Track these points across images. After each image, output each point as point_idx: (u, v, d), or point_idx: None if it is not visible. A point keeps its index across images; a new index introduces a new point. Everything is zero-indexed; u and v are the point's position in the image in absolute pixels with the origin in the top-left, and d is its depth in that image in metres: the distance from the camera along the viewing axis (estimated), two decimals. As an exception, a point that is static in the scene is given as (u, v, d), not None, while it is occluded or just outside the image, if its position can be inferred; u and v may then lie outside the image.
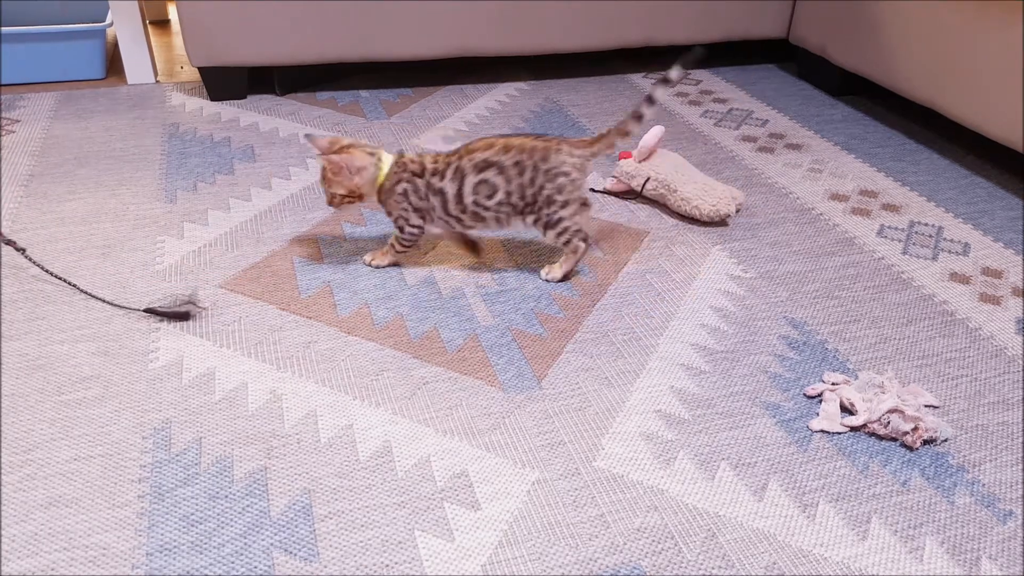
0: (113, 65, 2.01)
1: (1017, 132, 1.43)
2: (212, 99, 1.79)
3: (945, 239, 1.34)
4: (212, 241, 1.26)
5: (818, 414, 0.95)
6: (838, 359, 1.05)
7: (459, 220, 1.15)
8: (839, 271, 1.24)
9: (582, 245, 1.16)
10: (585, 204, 1.16)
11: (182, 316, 1.06)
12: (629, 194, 1.44)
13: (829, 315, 1.14)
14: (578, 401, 0.96)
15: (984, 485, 0.87)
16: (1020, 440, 0.93)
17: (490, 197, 1.11)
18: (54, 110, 1.72)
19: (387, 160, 1.13)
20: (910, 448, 0.91)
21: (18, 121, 1.66)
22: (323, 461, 0.86)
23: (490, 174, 1.10)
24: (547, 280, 1.18)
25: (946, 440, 0.92)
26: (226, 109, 1.75)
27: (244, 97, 1.81)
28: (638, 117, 1.11)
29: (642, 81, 2.00)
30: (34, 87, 1.85)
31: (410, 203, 1.13)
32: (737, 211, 1.36)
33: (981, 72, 1.49)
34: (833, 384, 0.99)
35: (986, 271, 1.25)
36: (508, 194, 1.11)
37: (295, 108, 1.76)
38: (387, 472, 0.85)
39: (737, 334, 1.09)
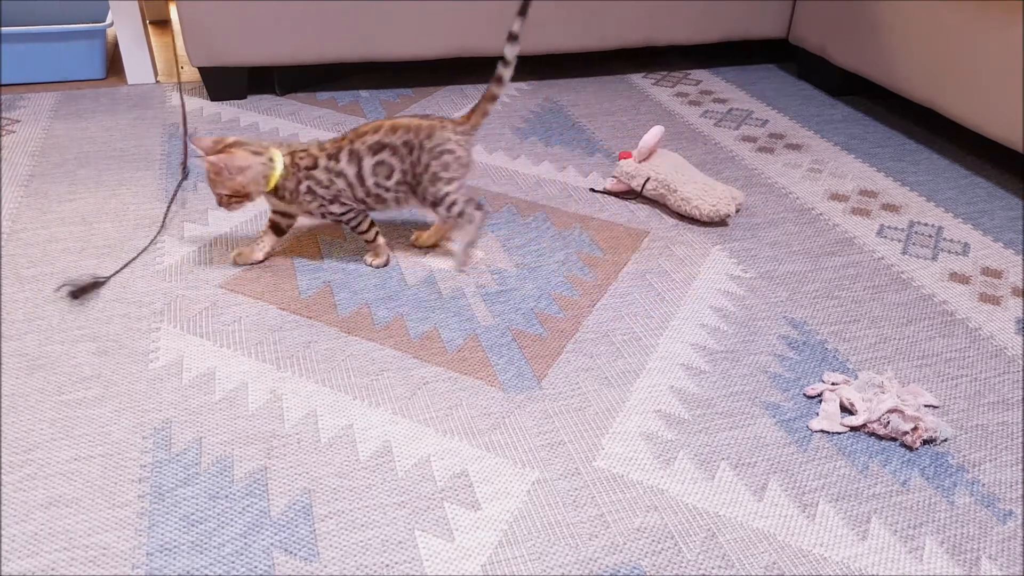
0: (113, 65, 2.01)
1: (1017, 132, 1.43)
2: (212, 99, 1.79)
3: (945, 239, 1.34)
4: (212, 241, 1.26)
5: (818, 414, 0.95)
6: (838, 359, 1.05)
7: (364, 203, 1.16)
8: (839, 271, 1.24)
9: (477, 213, 1.18)
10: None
11: (94, 286, 1.11)
12: (629, 194, 1.44)
13: (829, 315, 1.14)
14: (578, 401, 0.96)
15: (984, 485, 0.87)
16: (1020, 440, 0.93)
17: (388, 178, 1.13)
18: (54, 110, 1.72)
19: (279, 158, 1.11)
20: (910, 448, 0.91)
21: (18, 121, 1.66)
22: (323, 461, 0.86)
23: (385, 155, 1.12)
24: (454, 251, 1.21)
25: (946, 440, 0.92)
26: (226, 109, 1.75)
27: (244, 97, 1.81)
28: (499, 80, 1.14)
29: (642, 81, 2.00)
30: (34, 87, 1.86)
31: (321, 196, 1.14)
32: (737, 211, 1.36)
33: (981, 72, 1.49)
34: (833, 384, 0.99)
35: (986, 271, 1.25)
36: (403, 173, 1.13)
37: (295, 108, 1.76)
38: (387, 472, 0.85)
39: (737, 334, 1.09)
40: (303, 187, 1.12)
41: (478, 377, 0.99)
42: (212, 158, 1.07)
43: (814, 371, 1.03)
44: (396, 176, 1.13)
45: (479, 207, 1.18)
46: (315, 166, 1.12)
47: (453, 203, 1.16)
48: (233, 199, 1.10)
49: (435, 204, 1.16)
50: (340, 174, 1.13)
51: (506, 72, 1.14)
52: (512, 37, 1.11)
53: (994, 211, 1.44)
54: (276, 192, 1.13)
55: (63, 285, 1.09)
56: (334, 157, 1.13)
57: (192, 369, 0.99)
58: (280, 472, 0.85)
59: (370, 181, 1.13)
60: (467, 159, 1.16)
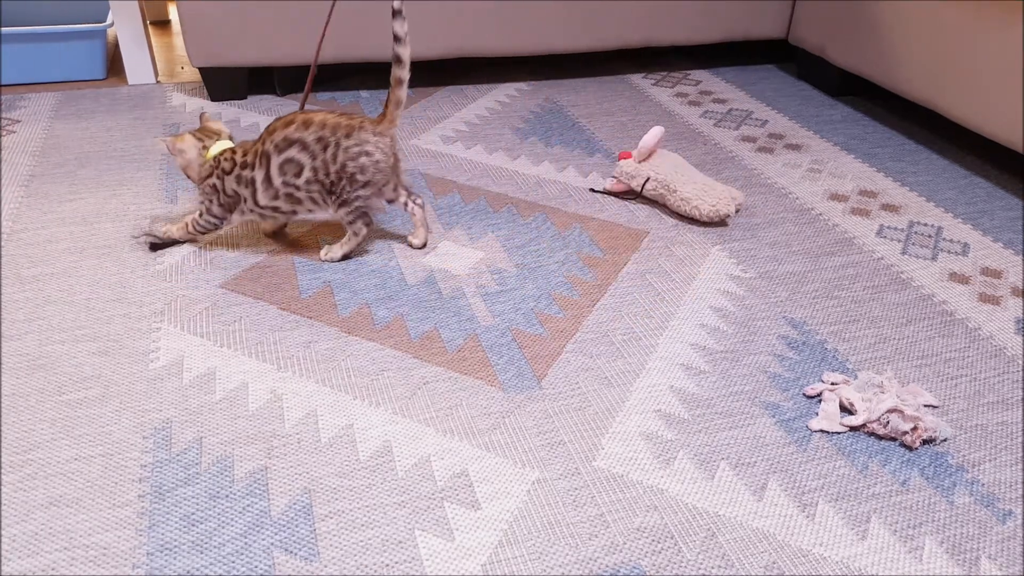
0: (114, 65, 2.01)
1: (1017, 132, 1.43)
2: (213, 99, 1.80)
3: (944, 239, 1.34)
4: (213, 241, 1.26)
5: (817, 414, 0.95)
6: (837, 359, 1.05)
7: (275, 209, 1.15)
8: (838, 271, 1.24)
9: (364, 230, 1.18)
10: (396, 171, 1.17)
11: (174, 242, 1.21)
12: (629, 194, 1.44)
13: (828, 315, 1.14)
14: (578, 401, 0.96)
15: (983, 485, 0.87)
16: (1020, 440, 0.93)
17: (298, 175, 1.11)
18: (55, 110, 1.72)
19: (216, 149, 1.15)
20: (909, 448, 0.91)
21: (19, 121, 1.66)
22: (323, 461, 0.86)
23: (294, 151, 1.10)
24: (325, 260, 1.20)
25: (945, 440, 0.92)
26: (227, 109, 1.75)
27: (245, 97, 1.81)
28: (399, 60, 1.11)
29: (642, 81, 2.00)
30: (35, 87, 1.86)
31: (216, 198, 1.16)
32: (736, 211, 1.36)
33: (981, 72, 1.50)
34: (832, 384, 0.99)
35: (985, 271, 1.25)
36: (314, 171, 1.11)
37: (296, 108, 1.77)
38: (387, 472, 0.85)
39: (737, 334, 1.09)
40: (209, 181, 1.15)
41: (478, 377, 0.99)
42: (167, 139, 1.15)
43: (814, 371, 1.03)
44: (306, 174, 1.11)
45: (369, 223, 1.17)
46: (231, 171, 1.13)
47: (355, 209, 1.15)
48: (188, 177, 1.18)
49: (342, 204, 1.14)
50: (250, 183, 1.13)
51: (403, 51, 1.10)
52: (396, 13, 1.08)
53: (994, 211, 1.44)
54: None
55: (144, 235, 1.15)
56: (250, 165, 1.12)
57: (192, 369, 0.99)
58: (280, 472, 0.85)
59: (278, 181, 1.12)
60: (386, 163, 1.14)
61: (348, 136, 1.10)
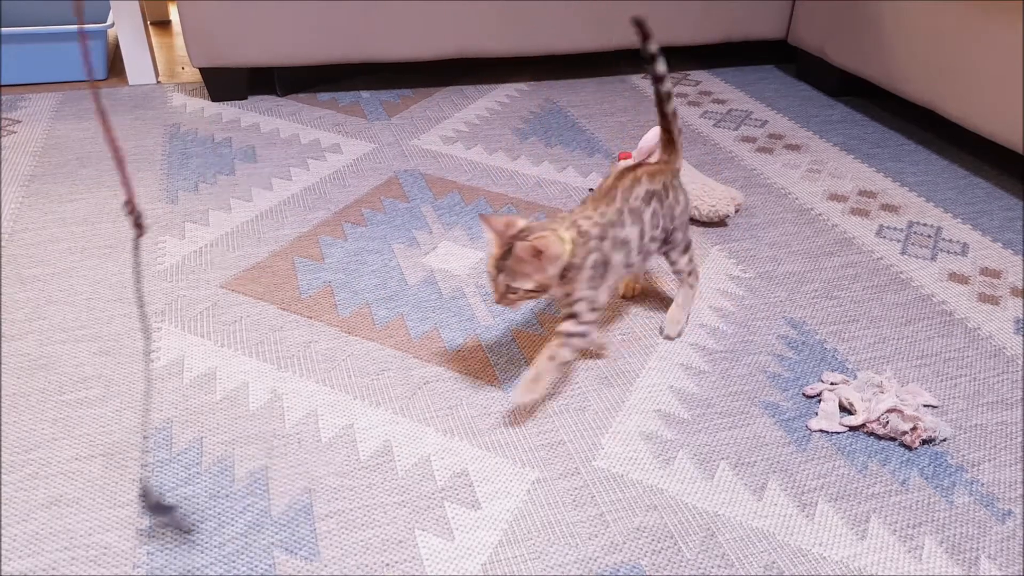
0: (114, 66, 2.01)
1: (1017, 132, 1.44)
2: (213, 100, 1.80)
3: (944, 239, 1.34)
4: (213, 241, 1.26)
5: (817, 414, 0.95)
6: (837, 359, 1.05)
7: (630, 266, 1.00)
8: (838, 271, 1.24)
9: (698, 279, 1.11)
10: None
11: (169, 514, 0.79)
12: (629, 194, 1.44)
13: (828, 315, 1.14)
14: (578, 401, 0.96)
15: (983, 484, 0.87)
16: (1019, 440, 0.93)
17: (657, 227, 1.01)
18: (55, 110, 1.72)
19: (566, 235, 0.91)
20: (909, 448, 0.91)
21: (19, 121, 1.66)
22: (324, 460, 0.86)
23: (655, 204, 1.00)
24: (675, 337, 1.08)
25: (945, 440, 0.93)
26: (227, 110, 1.75)
27: (245, 98, 1.81)
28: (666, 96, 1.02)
29: (642, 82, 2.00)
30: (35, 87, 1.86)
31: (602, 275, 0.95)
32: (736, 211, 1.37)
33: (981, 72, 1.50)
34: (832, 384, 0.99)
35: (985, 271, 1.26)
36: (665, 219, 1.02)
37: (296, 109, 1.77)
38: (387, 471, 0.85)
39: (736, 334, 1.09)
40: (590, 260, 0.92)
41: (478, 377, 0.99)
42: (528, 243, 0.86)
43: (813, 371, 1.03)
44: (662, 221, 1.01)
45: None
46: (604, 236, 0.94)
47: (691, 256, 1.08)
48: (530, 294, 0.90)
49: (685, 250, 1.07)
50: (624, 243, 0.96)
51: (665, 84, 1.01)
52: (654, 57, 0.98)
53: (993, 211, 1.44)
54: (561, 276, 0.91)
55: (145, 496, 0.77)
56: (617, 223, 0.95)
57: (193, 369, 0.99)
58: (281, 471, 0.85)
59: (648, 236, 0.99)
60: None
61: (675, 175, 1.04)
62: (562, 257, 0.89)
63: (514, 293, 0.89)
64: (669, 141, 1.04)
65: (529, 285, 0.88)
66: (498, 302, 0.91)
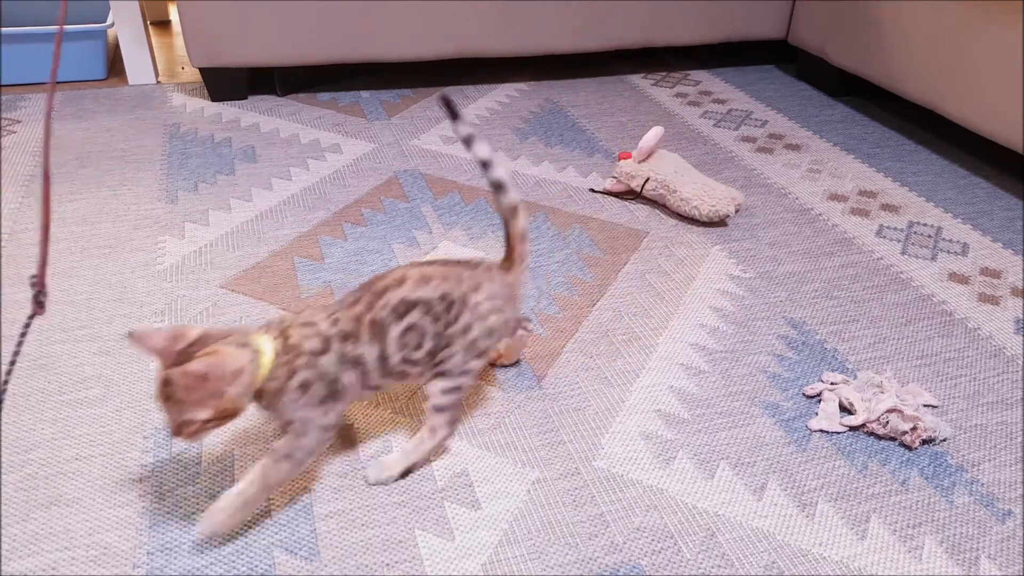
0: (114, 66, 2.01)
1: (1017, 132, 1.44)
2: (213, 100, 1.80)
3: (944, 239, 1.34)
4: (213, 241, 1.26)
5: (817, 414, 0.95)
6: (837, 359, 1.05)
7: (377, 388, 0.82)
8: (838, 271, 1.24)
9: (448, 430, 0.86)
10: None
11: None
12: (628, 194, 1.44)
13: (828, 315, 1.14)
14: (578, 401, 0.96)
15: (983, 484, 0.87)
16: (1019, 440, 0.93)
17: (419, 347, 0.80)
18: (55, 110, 1.72)
19: (267, 347, 0.74)
20: (909, 448, 0.91)
21: (19, 121, 1.66)
22: (324, 460, 0.86)
23: (416, 315, 0.79)
24: (376, 483, 0.84)
25: (945, 440, 0.93)
26: (227, 110, 1.75)
27: (245, 98, 1.81)
28: (499, 186, 0.83)
29: (641, 82, 2.00)
30: (35, 87, 1.86)
31: (311, 395, 0.76)
32: (736, 211, 1.37)
33: (981, 72, 1.50)
34: (832, 384, 0.99)
35: (985, 271, 1.26)
36: (436, 338, 0.81)
37: (296, 109, 1.77)
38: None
39: (736, 334, 1.09)
40: (296, 381, 0.74)
41: (478, 377, 0.99)
42: (189, 367, 0.68)
43: (813, 371, 1.03)
44: (428, 344, 0.81)
45: (457, 421, 0.88)
46: (325, 350, 0.76)
47: (454, 389, 0.84)
48: (212, 422, 0.71)
49: (451, 391, 0.84)
50: (357, 362, 0.78)
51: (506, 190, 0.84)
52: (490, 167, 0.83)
53: (993, 211, 1.44)
54: (258, 396, 0.74)
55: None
56: (351, 336, 0.77)
57: (193, 369, 0.99)
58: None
59: (396, 358, 0.79)
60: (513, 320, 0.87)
61: (476, 290, 0.82)
62: (243, 377, 0.70)
63: (191, 425, 0.70)
64: (507, 246, 0.86)
65: (205, 415, 0.69)
66: (176, 436, 0.70)
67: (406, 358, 0.80)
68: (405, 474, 0.85)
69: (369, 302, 0.78)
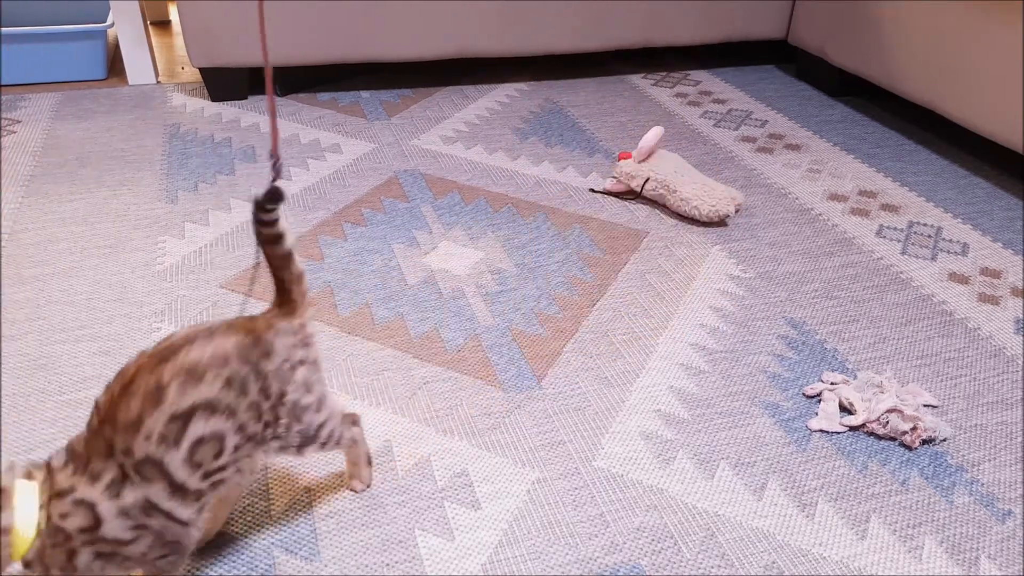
0: (114, 66, 2.01)
1: (1017, 132, 1.44)
2: (213, 99, 1.80)
3: (944, 239, 1.34)
4: (213, 241, 1.26)
5: (817, 414, 0.95)
6: (837, 359, 1.05)
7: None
8: (838, 271, 1.24)
9: (355, 428, 0.79)
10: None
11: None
12: (628, 194, 1.44)
13: (828, 315, 1.14)
14: (578, 401, 0.96)
15: (983, 484, 0.87)
16: (1019, 440, 0.93)
17: (219, 454, 0.64)
18: (55, 110, 1.72)
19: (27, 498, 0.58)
20: (909, 448, 0.91)
21: (19, 121, 1.66)
22: (324, 460, 0.86)
23: (200, 424, 0.63)
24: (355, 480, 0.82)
25: (945, 440, 0.93)
26: (227, 110, 1.75)
27: (245, 98, 1.81)
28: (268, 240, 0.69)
29: (641, 82, 2.00)
30: (35, 87, 1.86)
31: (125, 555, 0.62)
32: (736, 211, 1.37)
33: (981, 72, 1.50)
34: (832, 384, 0.99)
35: (985, 271, 1.26)
36: (241, 428, 0.66)
37: (296, 109, 1.77)
38: (387, 471, 0.85)
39: (736, 334, 1.09)
40: (83, 560, 0.60)
41: (478, 377, 0.99)
42: None
43: (813, 371, 1.03)
44: (233, 439, 0.65)
45: (355, 421, 0.79)
46: (97, 524, 0.60)
47: (330, 431, 0.74)
48: None
49: (306, 443, 0.72)
50: (152, 507, 0.62)
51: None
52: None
53: (993, 211, 1.44)
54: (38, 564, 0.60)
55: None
56: (112, 489, 0.60)
57: (193, 369, 0.99)
58: (281, 471, 0.85)
59: (195, 479, 0.64)
60: (316, 355, 0.72)
61: (267, 355, 0.67)
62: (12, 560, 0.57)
63: None
64: (282, 291, 0.71)
65: None
66: None
67: (209, 471, 0.64)
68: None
69: (124, 444, 0.60)
